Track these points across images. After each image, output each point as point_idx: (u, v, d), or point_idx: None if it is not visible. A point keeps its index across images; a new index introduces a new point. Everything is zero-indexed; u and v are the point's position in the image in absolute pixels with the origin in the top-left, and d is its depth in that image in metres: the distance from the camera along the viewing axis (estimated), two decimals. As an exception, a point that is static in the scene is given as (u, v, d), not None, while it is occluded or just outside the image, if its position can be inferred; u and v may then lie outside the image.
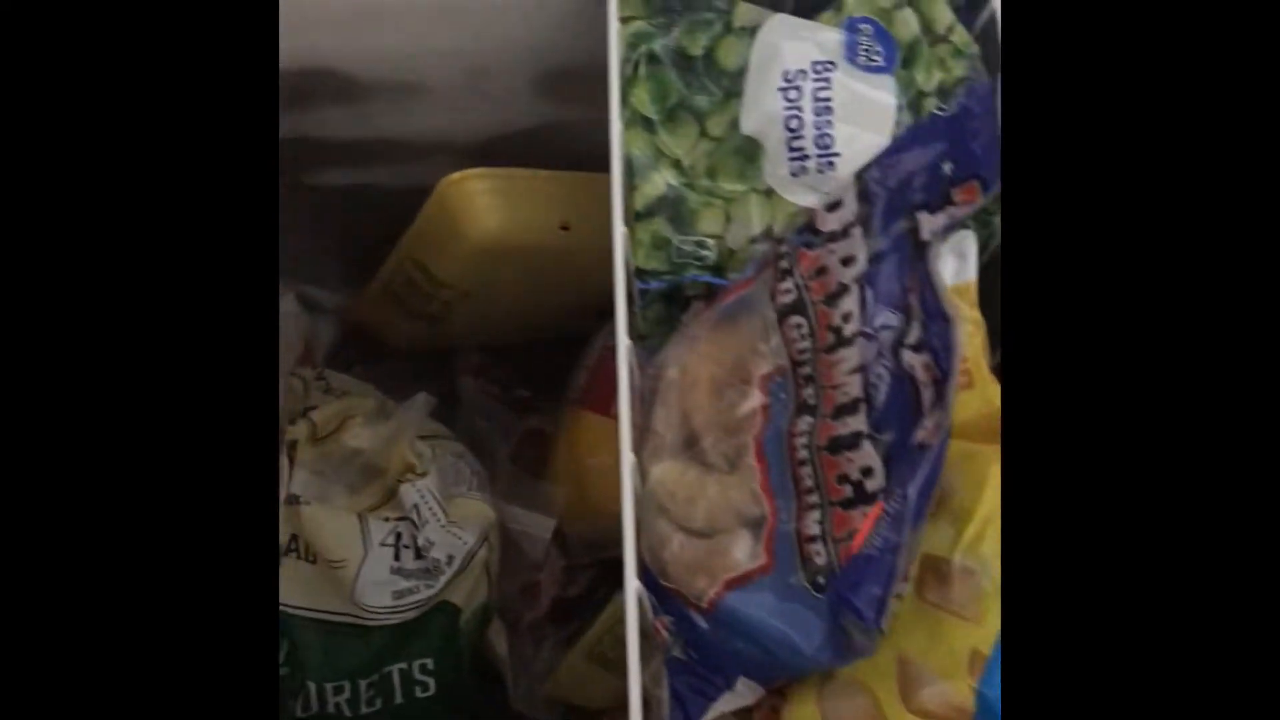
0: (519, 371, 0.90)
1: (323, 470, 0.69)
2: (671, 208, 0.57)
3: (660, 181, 0.57)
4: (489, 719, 0.73)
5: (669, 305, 0.58)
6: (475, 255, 0.73)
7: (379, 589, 0.64)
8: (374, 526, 0.65)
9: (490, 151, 0.78)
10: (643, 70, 0.57)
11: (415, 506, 0.65)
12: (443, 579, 0.65)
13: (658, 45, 0.57)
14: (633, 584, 0.45)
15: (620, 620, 0.69)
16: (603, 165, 0.57)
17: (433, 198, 0.72)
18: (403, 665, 0.66)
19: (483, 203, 0.71)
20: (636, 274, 0.57)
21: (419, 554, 0.65)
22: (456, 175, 0.71)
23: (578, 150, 0.71)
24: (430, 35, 0.68)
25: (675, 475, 0.52)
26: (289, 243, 0.44)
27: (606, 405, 0.76)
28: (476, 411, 0.86)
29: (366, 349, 0.89)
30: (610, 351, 0.78)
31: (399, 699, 0.66)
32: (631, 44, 0.57)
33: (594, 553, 0.78)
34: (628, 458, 0.49)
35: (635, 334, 0.58)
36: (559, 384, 0.88)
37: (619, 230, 0.54)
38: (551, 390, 0.89)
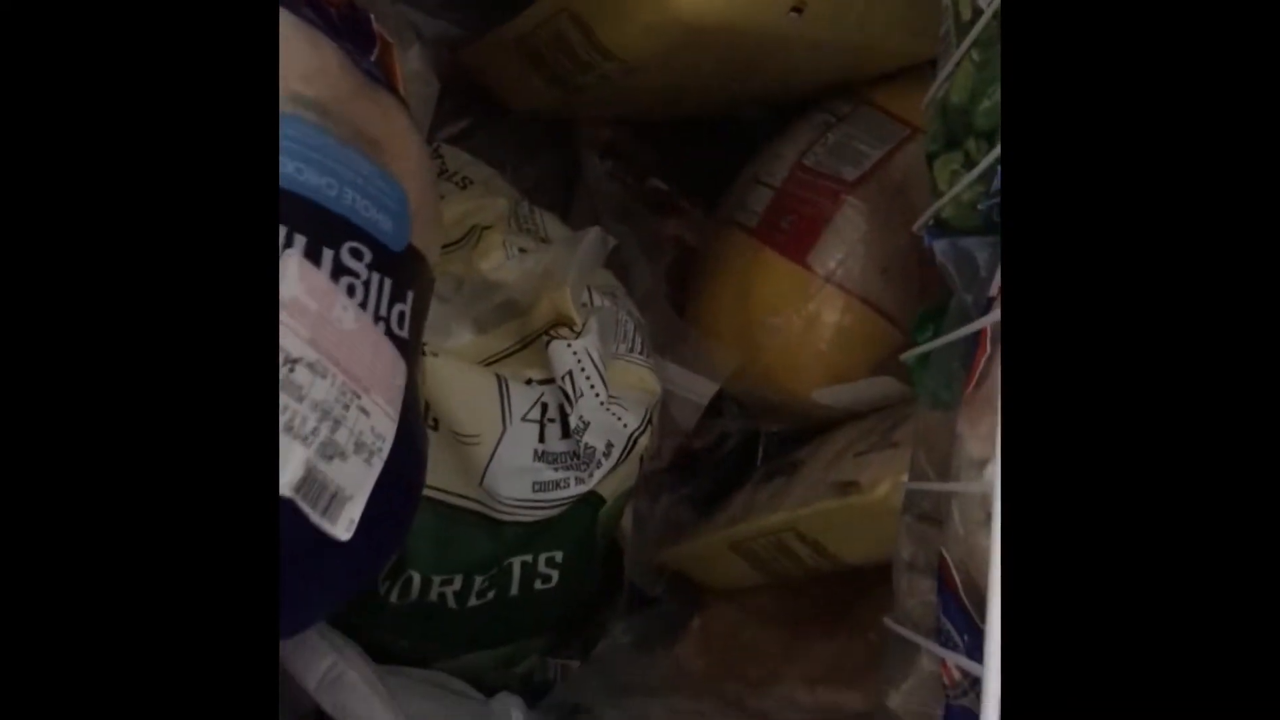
0: (660, 156, 0.72)
1: (444, 295, 0.52)
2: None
3: None
4: (601, 594, 0.62)
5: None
6: (670, 30, 0.53)
7: (517, 477, 0.50)
8: (515, 393, 0.49)
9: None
10: None
11: (569, 374, 0.50)
12: (598, 473, 0.51)
13: None
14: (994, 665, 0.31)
15: (785, 529, 0.57)
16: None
17: (628, -56, 0.52)
18: (527, 558, 0.53)
19: (699, -36, 0.51)
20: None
21: (566, 431, 0.50)
22: (672, -78, 0.50)
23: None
24: None
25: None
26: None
27: (798, 248, 0.59)
28: (605, 203, 0.68)
29: (471, 102, 0.70)
30: (811, 174, 0.61)
31: (514, 591, 0.54)
32: None
33: (750, 421, 0.64)
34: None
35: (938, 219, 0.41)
36: (707, 183, 0.71)
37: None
38: (697, 189, 0.71)
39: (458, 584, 0.52)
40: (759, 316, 0.59)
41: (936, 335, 0.41)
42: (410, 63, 0.53)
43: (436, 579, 0.51)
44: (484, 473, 0.49)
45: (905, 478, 0.44)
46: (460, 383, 0.49)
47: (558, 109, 0.67)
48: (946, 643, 0.36)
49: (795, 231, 0.59)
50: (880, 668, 0.43)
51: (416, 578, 0.51)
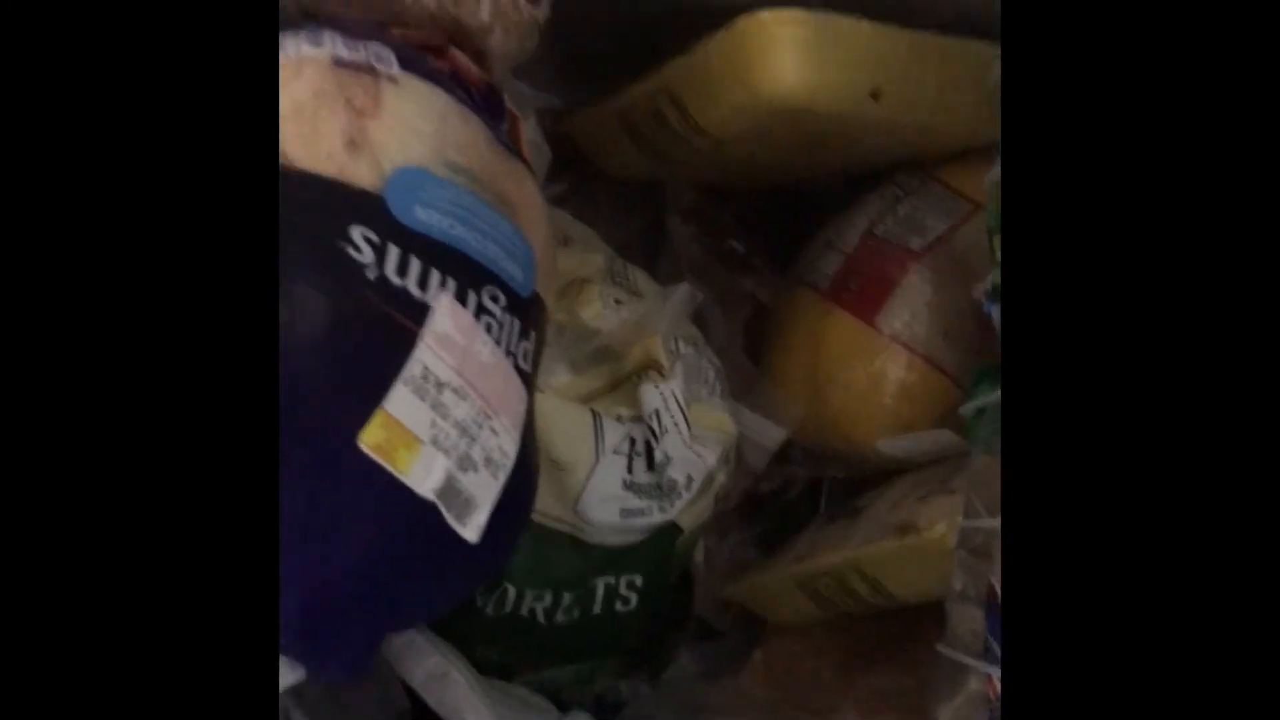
0: (738, 220, 0.78)
1: (548, 340, 0.58)
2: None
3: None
4: (671, 622, 0.67)
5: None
6: (758, 110, 0.59)
7: (606, 504, 0.55)
8: (608, 428, 0.55)
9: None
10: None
11: (656, 413, 0.55)
12: (679, 504, 0.56)
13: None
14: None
15: (847, 568, 0.62)
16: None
17: (724, 34, 0.58)
18: (610, 579, 0.58)
19: (786, 54, 0.58)
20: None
21: (651, 465, 0.56)
22: (764, 15, 0.57)
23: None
24: None
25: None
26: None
27: (867, 309, 0.65)
28: (688, 261, 0.74)
29: (569, 166, 0.77)
30: (880, 243, 0.67)
31: (597, 610, 0.59)
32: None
33: (817, 469, 0.69)
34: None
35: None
36: (781, 246, 0.77)
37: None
38: (771, 251, 0.77)
39: (548, 600, 0.57)
40: (828, 371, 0.64)
41: (990, 391, 0.46)
42: (528, 133, 0.60)
43: (529, 593, 0.57)
44: (577, 498, 0.55)
45: (960, 520, 0.49)
46: (560, 416, 0.55)
47: (648, 175, 0.73)
48: (992, 660, 0.41)
49: (864, 294, 0.64)
50: (931, 690, 0.48)
51: (511, 591, 0.57)
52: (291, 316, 0.36)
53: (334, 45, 0.41)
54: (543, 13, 0.51)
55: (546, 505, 0.56)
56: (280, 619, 0.36)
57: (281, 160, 0.38)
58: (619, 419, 0.56)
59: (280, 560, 0.35)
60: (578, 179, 0.76)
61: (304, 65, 0.40)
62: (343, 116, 0.39)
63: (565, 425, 0.55)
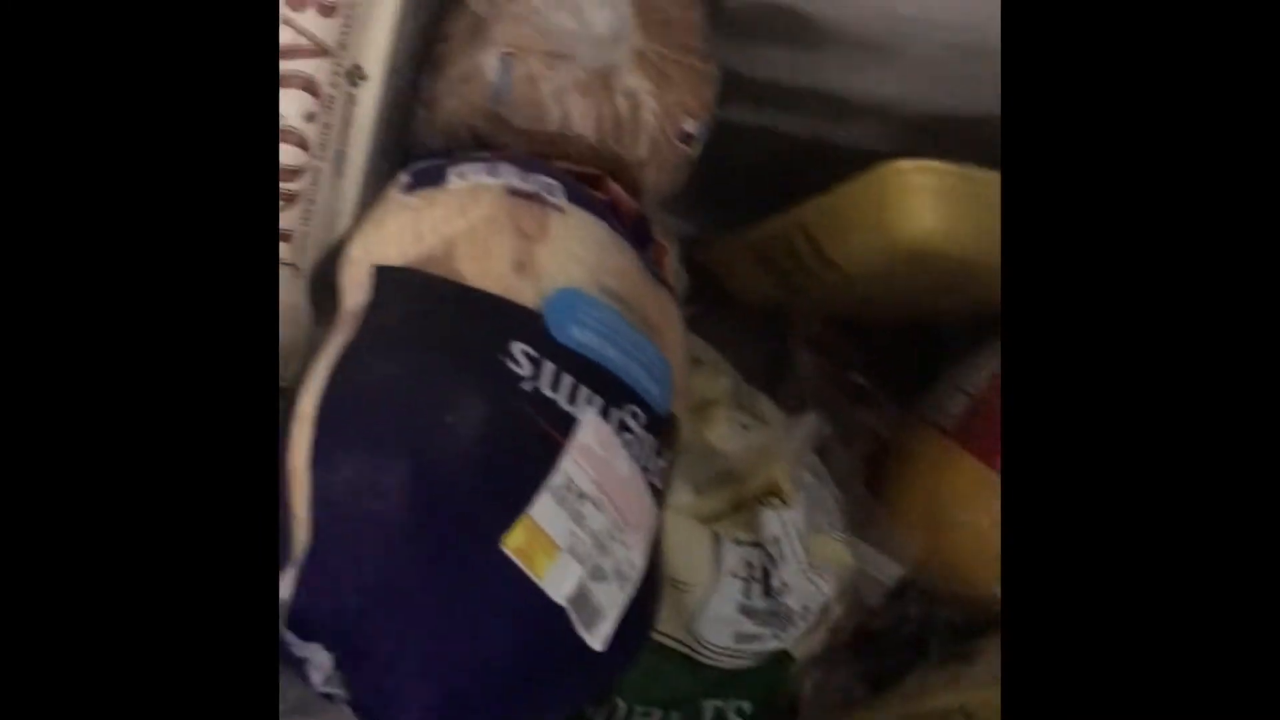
0: (863, 353, 0.80)
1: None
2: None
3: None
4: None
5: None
6: (891, 252, 0.61)
7: (722, 626, 0.56)
8: (727, 550, 0.56)
9: (929, 131, 0.66)
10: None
11: (776, 539, 0.56)
12: (793, 632, 0.57)
13: None
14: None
15: (956, 711, 0.61)
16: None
17: (864, 180, 0.61)
18: (719, 703, 0.59)
19: (923, 202, 0.59)
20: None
21: (768, 591, 0.56)
22: (903, 164, 0.59)
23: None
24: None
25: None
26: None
27: (993, 452, 0.65)
28: (811, 391, 0.76)
29: (701, 291, 0.79)
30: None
31: (704, 731, 0.59)
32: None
33: (932, 609, 0.69)
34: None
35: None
36: (903, 382, 0.78)
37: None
38: (894, 387, 0.78)
39: (656, 718, 0.58)
40: (949, 512, 0.65)
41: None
42: (671, 261, 0.63)
43: (639, 709, 0.58)
44: (693, 618, 0.56)
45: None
46: (680, 535, 0.56)
47: (777, 303, 0.75)
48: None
49: (989, 437, 0.65)
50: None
51: (622, 706, 0.57)
52: (454, 420, 0.38)
53: (509, 176, 0.44)
54: (695, 151, 0.55)
55: (666, 625, 0.57)
56: (420, 708, 0.38)
57: (454, 277, 0.42)
58: (738, 542, 0.57)
59: (421, 650, 0.38)
60: (708, 304, 0.78)
61: (481, 192, 0.44)
62: (512, 241, 0.42)
63: (685, 544, 0.56)
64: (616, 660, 0.44)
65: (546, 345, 0.41)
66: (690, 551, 0.56)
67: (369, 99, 0.49)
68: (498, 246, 0.42)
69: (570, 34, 0.46)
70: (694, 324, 0.75)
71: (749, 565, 0.57)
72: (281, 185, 0.48)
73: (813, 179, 0.65)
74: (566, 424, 0.41)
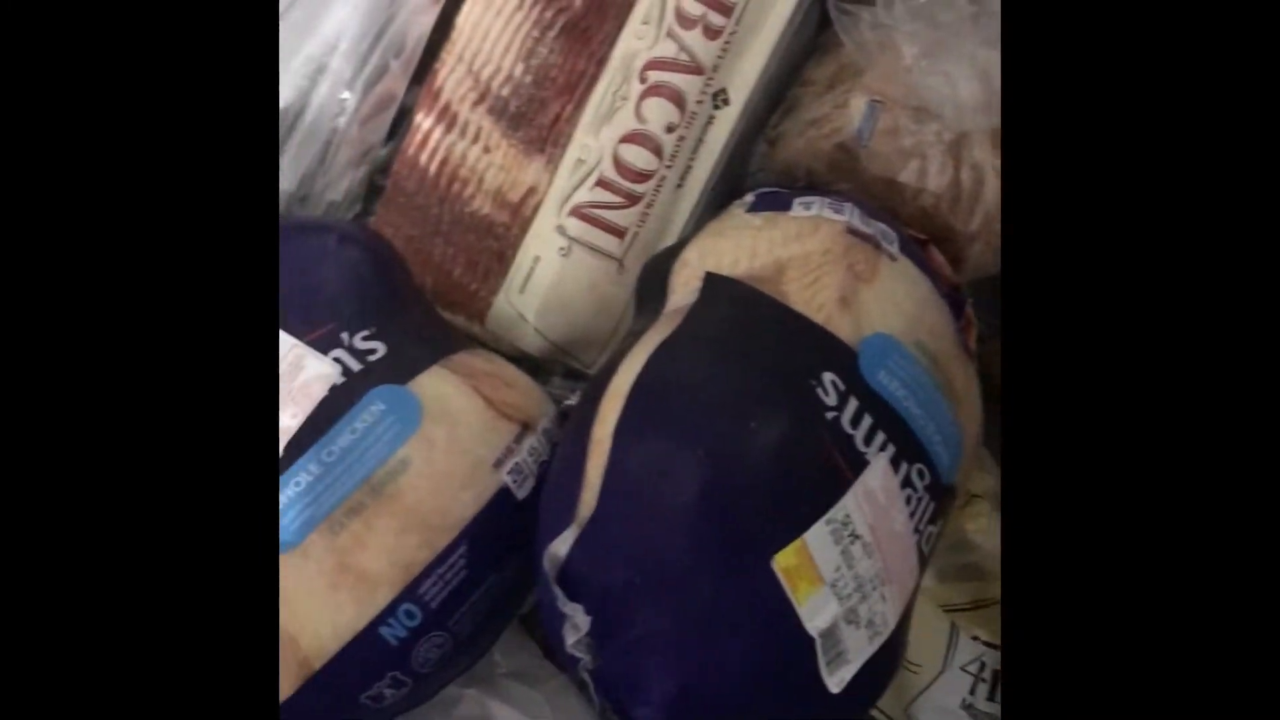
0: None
1: (920, 539, 0.59)
2: None
3: None
4: None
5: None
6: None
7: (940, 716, 0.54)
8: (962, 644, 0.55)
9: None
10: None
11: (1016, 645, 0.54)
12: (1012, 744, 0.54)
13: None
14: None
15: None
16: None
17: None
18: (916, 794, 0.56)
19: None
20: None
21: (994, 695, 0.54)
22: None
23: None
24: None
25: None
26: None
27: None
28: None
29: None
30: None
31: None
32: None
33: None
34: None
35: None
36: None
37: None
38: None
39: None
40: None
41: None
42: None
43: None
44: (913, 700, 0.55)
45: None
46: (920, 615, 0.55)
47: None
48: None
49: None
50: None
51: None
52: (755, 428, 0.39)
53: (852, 216, 0.46)
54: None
55: (882, 700, 0.56)
56: (659, 693, 0.39)
57: (780, 298, 0.43)
58: (974, 639, 0.56)
59: (672, 638, 0.38)
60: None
61: (821, 225, 0.45)
62: (842, 276, 0.43)
63: (923, 625, 0.55)
64: (845, 708, 0.43)
65: (856, 383, 0.42)
66: (925, 633, 0.55)
67: (726, 123, 0.52)
68: (828, 278, 0.43)
69: (940, 96, 0.47)
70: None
71: (981, 665, 0.55)
72: (629, 185, 0.51)
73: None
74: (858, 463, 0.41)
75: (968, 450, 0.47)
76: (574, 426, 0.43)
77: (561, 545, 0.40)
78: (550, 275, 0.52)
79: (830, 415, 0.41)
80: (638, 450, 0.40)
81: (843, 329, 0.43)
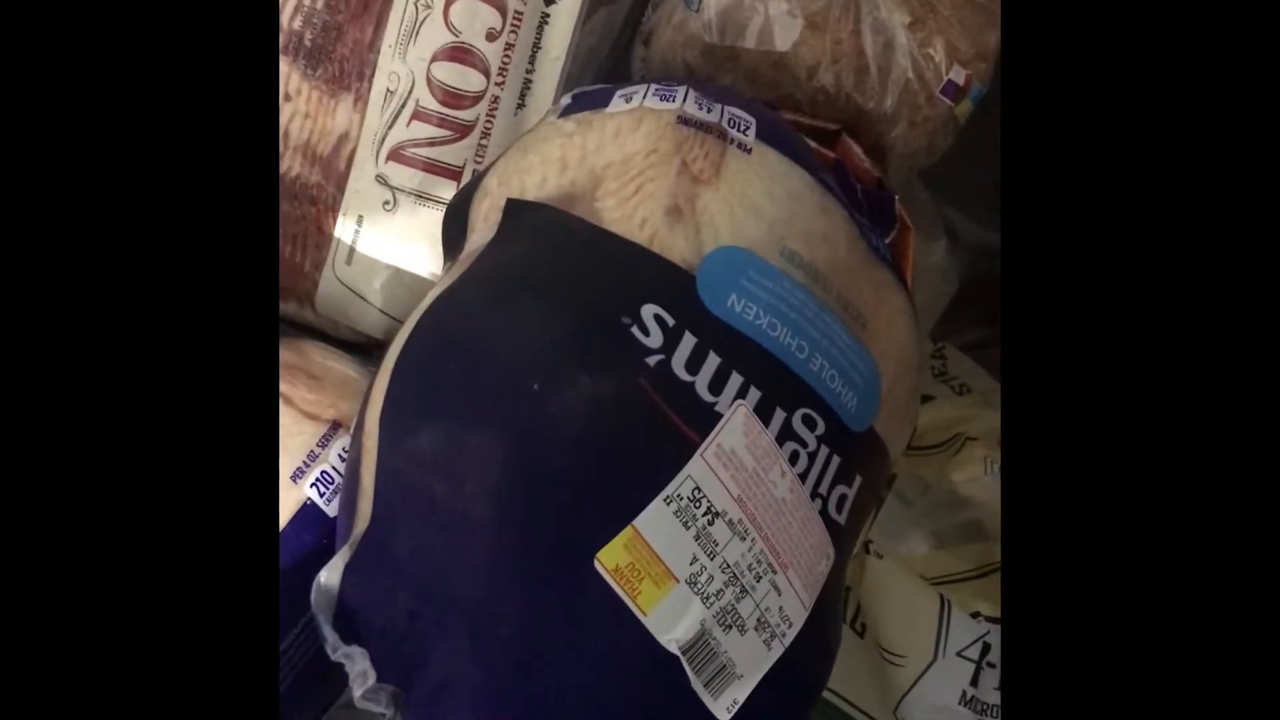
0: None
1: (909, 498, 0.49)
2: None
3: None
4: None
5: None
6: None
7: (936, 715, 0.44)
8: (957, 623, 0.44)
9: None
10: None
11: (1024, 619, 0.43)
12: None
13: None
14: None
15: None
16: None
17: None
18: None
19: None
20: None
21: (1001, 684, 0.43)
22: None
23: None
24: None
25: None
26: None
27: None
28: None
29: (994, 316, 0.66)
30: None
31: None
32: None
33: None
34: None
35: None
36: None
37: None
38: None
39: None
40: None
41: None
42: (932, 255, 0.51)
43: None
44: (901, 699, 0.44)
45: None
46: (900, 595, 0.45)
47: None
48: None
49: None
50: None
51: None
52: (556, 394, 0.30)
53: (685, 102, 0.35)
54: (964, 111, 0.43)
55: (860, 696, 0.46)
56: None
57: (592, 218, 0.33)
58: (975, 616, 0.45)
59: (480, 678, 0.29)
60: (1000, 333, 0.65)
61: (645, 118, 0.35)
62: (672, 180, 0.33)
63: (904, 607, 0.45)
64: (751, 739, 0.33)
65: (691, 314, 0.32)
66: (908, 617, 0.45)
67: (564, 20, 0.42)
68: (652, 184, 0.33)
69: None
70: (975, 349, 0.63)
71: (984, 647, 0.45)
72: (453, 113, 0.42)
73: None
74: (705, 418, 0.31)
75: (894, 384, 0.36)
76: (357, 416, 0.34)
77: (331, 573, 0.31)
78: (378, 238, 0.43)
79: (654, 360, 0.31)
80: (410, 440, 0.31)
81: (674, 248, 0.33)
